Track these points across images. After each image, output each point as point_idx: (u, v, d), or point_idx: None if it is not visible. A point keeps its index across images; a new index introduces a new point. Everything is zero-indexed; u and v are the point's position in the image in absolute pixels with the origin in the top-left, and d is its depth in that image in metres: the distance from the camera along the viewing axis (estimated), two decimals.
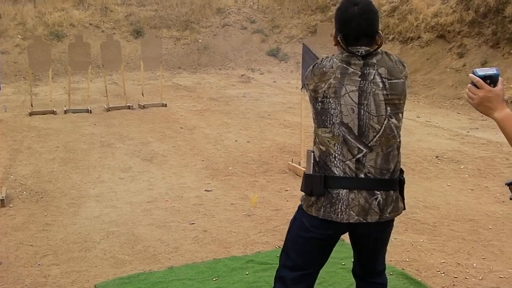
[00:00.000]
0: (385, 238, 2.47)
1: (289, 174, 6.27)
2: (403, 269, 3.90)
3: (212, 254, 4.18)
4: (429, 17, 13.86)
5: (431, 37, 13.54)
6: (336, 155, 2.26)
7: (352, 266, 2.69)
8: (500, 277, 3.82)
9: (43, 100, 10.96)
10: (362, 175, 2.25)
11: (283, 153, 7.19)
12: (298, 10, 18.48)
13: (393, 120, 2.26)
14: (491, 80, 1.90)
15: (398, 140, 2.31)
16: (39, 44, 10.06)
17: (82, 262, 4.05)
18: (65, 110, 9.98)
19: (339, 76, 2.24)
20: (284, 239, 2.53)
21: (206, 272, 3.85)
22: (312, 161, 2.37)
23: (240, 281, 3.71)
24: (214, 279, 3.75)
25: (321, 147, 2.31)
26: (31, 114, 9.73)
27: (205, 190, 5.73)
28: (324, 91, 2.25)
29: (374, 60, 2.25)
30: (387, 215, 2.30)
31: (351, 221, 2.26)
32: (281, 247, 2.55)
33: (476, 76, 1.91)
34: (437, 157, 7.00)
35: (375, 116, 2.23)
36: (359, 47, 2.25)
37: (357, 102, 2.22)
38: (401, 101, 2.27)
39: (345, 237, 2.51)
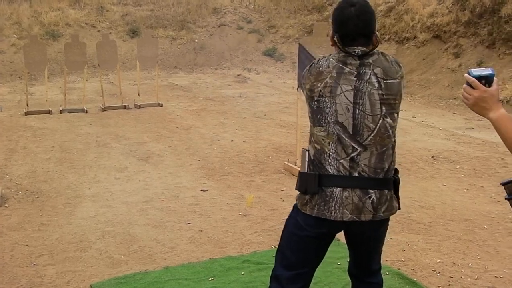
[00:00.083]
0: (380, 237, 2.47)
1: (285, 174, 6.28)
2: (399, 269, 3.90)
3: (208, 254, 4.18)
4: (425, 17, 13.88)
5: (427, 37, 13.57)
6: (331, 153, 2.27)
7: (347, 266, 2.70)
8: (496, 276, 3.83)
9: (38, 99, 10.93)
10: (356, 174, 2.26)
11: (279, 153, 7.20)
12: (294, 10, 18.49)
13: (388, 119, 2.27)
14: (486, 80, 1.91)
15: (393, 139, 2.32)
16: (35, 44, 10.03)
17: (77, 262, 4.04)
18: (60, 110, 9.95)
19: (335, 75, 2.25)
20: (279, 239, 2.53)
21: (202, 272, 3.85)
22: (307, 159, 2.38)
23: (236, 281, 3.71)
24: (210, 279, 3.75)
25: (316, 145, 2.32)
26: (26, 113, 9.70)
27: (201, 190, 5.73)
28: (320, 90, 2.26)
29: (370, 60, 2.26)
30: (381, 214, 2.31)
31: (344, 219, 2.27)
32: (277, 247, 2.55)
33: (471, 76, 1.91)
34: (432, 157, 7.01)
35: (370, 115, 2.24)
36: (355, 47, 2.26)
37: (352, 101, 2.23)
38: (397, 101, 2.28)
39: (341, 237, 2.51)
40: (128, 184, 5.93)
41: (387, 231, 2.49)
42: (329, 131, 2.26)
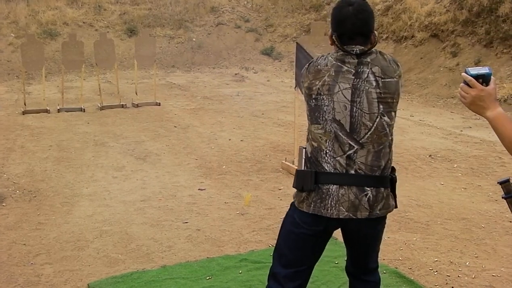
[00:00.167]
0: (377, 235, 2.47)
1: (282, 173, 6.28)
2: (396, 268, 3.91)
3: (206, 253, 4.18)
4: (422, 16, 13.89)
5: (424, 36, 13.57)
6: (328, 151, 2.28)
7: (345, 265, 2.70)
8: (493, 275, 3.84)
9: (36, 98, 10.92)
10: (353, 171, 2.27)
11: (276, 152, 7.20)
12: (292, 9, 18.48)
13: (385, 118, 2.27)
14: (484, 79, 1.91)
15: (390, 138, 2.33)
16: (32, 43, 10.02)
17: (75, 261, 4.03)
18: (58, 109, 9.94)
19: (333, 74, 2.26)
20: (277, 237, 2.53)
21: (199, 271, 3.85)
22: (304, 157, 2.39)
23: (233, 280, 3.71)
24: (208, 278, 3.75)
25: (313, 143, 2.33)
26: (24, 113, 9.68)
27: (199, 189, 5.73)
28: (318, 88, 2.27)
29: (368, 59, 2.27)
30: (377, 212, 2.32)
31: (340, 217, 2.28)
32: (274, 245, 2.55)
33: (469, 75, 1.91)
34: (430, 156, 7.02)
35: (367, 113, 2.24)
36: (353, 46, 2.27)
37: (349, 99, 2.24)
38: (394, 100, 2.29)
39: (338, 236, 2.51)
40: (125, 183, 5.92)
41: (384, 229, 2.49)
42: (327, 129, 2.27)
